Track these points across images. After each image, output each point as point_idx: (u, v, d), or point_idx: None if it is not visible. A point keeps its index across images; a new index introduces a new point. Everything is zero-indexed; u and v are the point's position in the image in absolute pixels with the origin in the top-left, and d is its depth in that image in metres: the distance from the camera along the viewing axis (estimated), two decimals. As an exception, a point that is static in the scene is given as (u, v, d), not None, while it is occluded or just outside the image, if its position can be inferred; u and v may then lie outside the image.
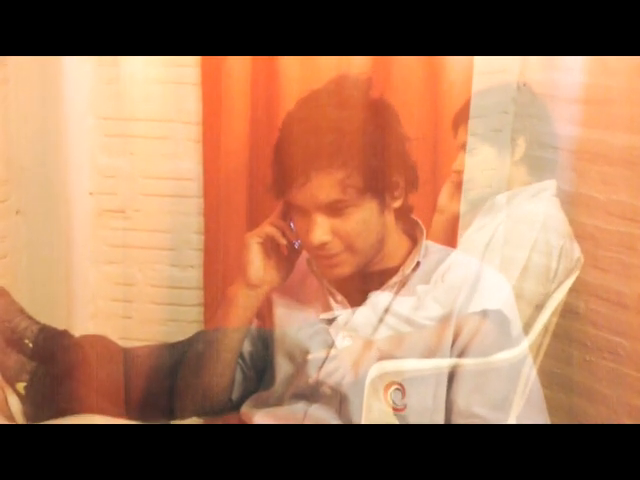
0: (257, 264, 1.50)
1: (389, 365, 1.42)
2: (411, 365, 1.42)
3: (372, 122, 1.39)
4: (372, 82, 1.43)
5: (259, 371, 1.59)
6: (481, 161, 2.12)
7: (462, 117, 2.07)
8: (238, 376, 1.58)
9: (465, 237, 2.02)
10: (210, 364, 1.56)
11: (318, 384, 1.45)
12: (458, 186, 2.08)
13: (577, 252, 2.04)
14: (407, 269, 1.47)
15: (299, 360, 1.49)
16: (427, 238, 1.52)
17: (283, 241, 1.50)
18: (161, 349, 1.77)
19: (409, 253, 1.49)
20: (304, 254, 1.54)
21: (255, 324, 1.59)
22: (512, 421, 1.39)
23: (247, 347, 1.59)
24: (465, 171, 2.11)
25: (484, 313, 1.42)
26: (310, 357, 1.47)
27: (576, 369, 2.21)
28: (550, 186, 2.09)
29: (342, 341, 1.47)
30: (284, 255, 1.52)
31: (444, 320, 1.42)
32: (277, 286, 1.53)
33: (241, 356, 1.58)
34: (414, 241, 1.51)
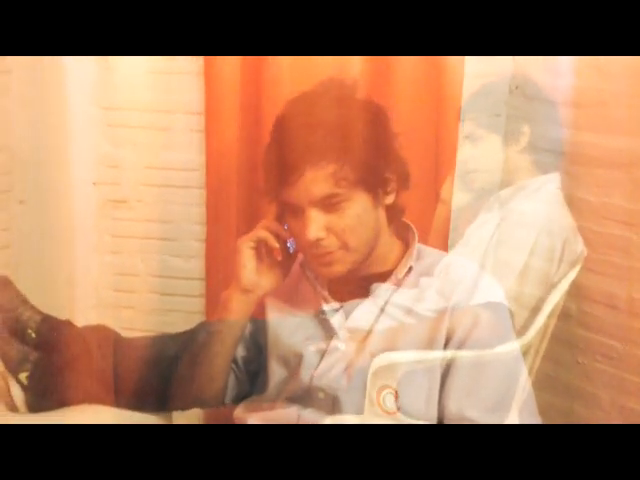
0: (250, 269, 1.51)
1: (383, 359, 1.42)
2: (406, 357, 1.42)
3: (361, 119, 1.40)
4: (358, 85, 1.44)
5: (252, 375, 1.60)
6: (485, 151, 2.13)
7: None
8: (231, 380, 1.59)
9: (468, 233, 2.02)
10: (203, 369, 1.56)
11: (311, 388, 1.45)
12: (462, 177, 2.08)
13: (580, 245, 2.04)
14: (400, 273, 1.47)
15: (292, 364, 1.49)
16: (430, 230, 1.52)
17: (276, 244, 1.50)
18: (163, 339, 1.78)
19: (401, 257, 1.49)
20: (298, 259, 1.55)
21: (249, 328, 1.59)
22: (506, 421, 1.39)
23: (240, 352, 1.59)
24: (469, 161, 2.11)
25: (486, 305, 1.43)
26: (303, 361, 1.47)
27: (569, 372, 2.22)
28: (554, 179, 2.09)
29: (335, 345, 1.47)
30: (278, 259, 1.53)
31: (442, 313, 1.42)
32: (271, 290, 1.53)
33: (234, 361, 1.58)
34: (406, 245, 1.51)
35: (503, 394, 1.40)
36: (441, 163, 2.15)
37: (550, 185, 2.09)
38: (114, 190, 2.33)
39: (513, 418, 1.39)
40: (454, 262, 1.51)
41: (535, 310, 1.89)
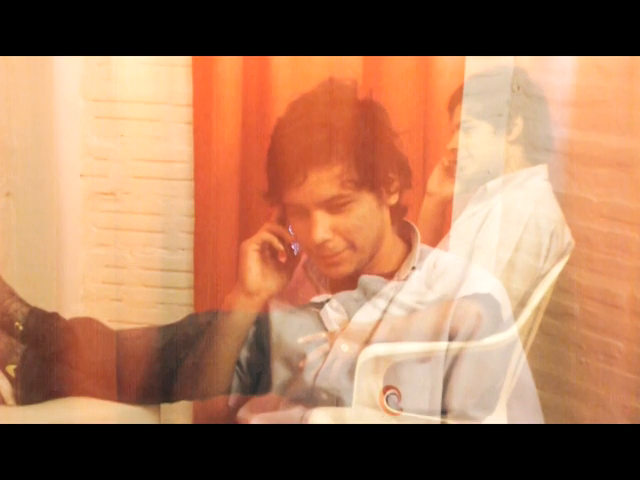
0: (255, 271, 1.50)
1: (381, 348, 1.42)
2: (403, 349, 1.43)
3: (362, 119, 1.41)
4: (357, 86, 1.45)
5: (255, 377, 1.59)
6: (476, 141, 2.12)
7: (458, 98, 2.06)
8: (235, 382, 1.58)
9: (456, 225, 2.02)
10: (207, 373, 1.56)
11: (315, 389, 1.45)
12: (449, 169, 2.08)
13: (568, 237, 2.04)
14: (402, 274, 1.47)
15: (296, 365, 1.49)
16: (417, 222, 1.52)
17: (280, 247, 1.50)
18: (152, 331, 1.77)
19: (404, 257, 1.50)
20: (301, 260, 1.55)
21: (252, 330, 1.58)
22: (501, 411, 1.40)
23: (244, 353, 1.58)
24: (460, 150, 2.11)
25: (475, 297, 1.43)
26: (307, 362, 1.47)
27: (571, 371, 2.22)
28: (541, 171, 2.09)
29: (339, 346, 1.47)
30: (282, 262, 1.52)
31: (437, 307, 1.43)
32: (276, 293, 1.53)
33: (238, 362, 1.58)
34: (409, 245, 1.52)
35: (492, 385, 1.41)
36: (429, 159, 2.15)
37: (537, 177, 2.09)
38: (101, 182, 2.33)
39: (501, 410, 1.40)
40: (442, 254, 1.51)
41: (522, 304, 1.89)
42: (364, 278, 1.48)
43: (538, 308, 1.90)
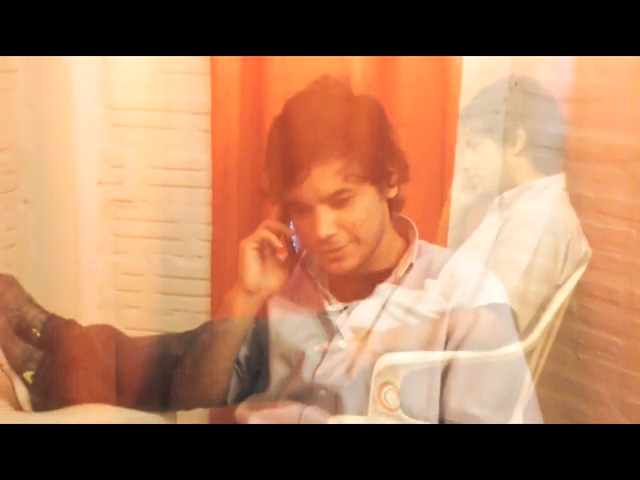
0: (254, 270, 1.51)
1: (399, 357, 1.41)
2: (409, 358, 1.42)
3: (359, 114, 1.41)
4: (352, 81, 1.45)
5: (254, 374, 1.59)
6: (484, 156, 2.13)
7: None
8: (233, 380, 1.59)
9: (474, 235, 2.02)
10: (206, 370, 1.56)
11: (313, 386, 1.45)
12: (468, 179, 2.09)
13: (585, 246, 2.04)
14: (400, 271, 1.47)
15: (294, 363, 1.49)
16: (437, 226, 1.52)
17: (279, 244, 1.50)
18: (167, 339, 1.78)
19: (402, 254, 1.49)
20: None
21: (251, 328, 1.58)
22: (510, 422, 1.38)
23: (243, 351, 1.59)
24: (470, 166, 2.12)
25: (489, 306, 1.42)
26: (305, 359, 1.47)
27: (570, 367, 2.23)
28: (559, 180, 2.09)
29: (337, 344, 1.47)
30: (281, 260, 1.53)
31: (443, 313, 1.42)
32: (276, 291, 1.53)
33: (237, 360, 1.58)
34: (407, 241, 1.51)
35: (506, 396, 1.40)
36: (446, 160, 2.15)
37: (555, 186, 2.10)
38: (118, 190, 2.33)
39: (517, 420, 1.39)
40: (459, 263, 1.50)
41: (540, 309, 1.89)
42: (380, 286, 1.48)
43: (556, 315, 1.90)
